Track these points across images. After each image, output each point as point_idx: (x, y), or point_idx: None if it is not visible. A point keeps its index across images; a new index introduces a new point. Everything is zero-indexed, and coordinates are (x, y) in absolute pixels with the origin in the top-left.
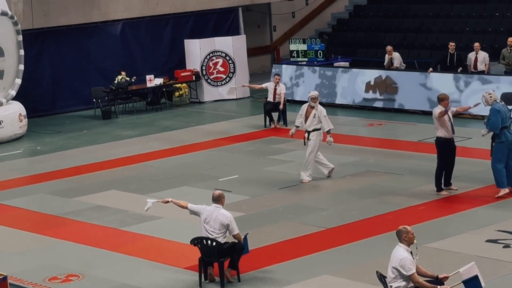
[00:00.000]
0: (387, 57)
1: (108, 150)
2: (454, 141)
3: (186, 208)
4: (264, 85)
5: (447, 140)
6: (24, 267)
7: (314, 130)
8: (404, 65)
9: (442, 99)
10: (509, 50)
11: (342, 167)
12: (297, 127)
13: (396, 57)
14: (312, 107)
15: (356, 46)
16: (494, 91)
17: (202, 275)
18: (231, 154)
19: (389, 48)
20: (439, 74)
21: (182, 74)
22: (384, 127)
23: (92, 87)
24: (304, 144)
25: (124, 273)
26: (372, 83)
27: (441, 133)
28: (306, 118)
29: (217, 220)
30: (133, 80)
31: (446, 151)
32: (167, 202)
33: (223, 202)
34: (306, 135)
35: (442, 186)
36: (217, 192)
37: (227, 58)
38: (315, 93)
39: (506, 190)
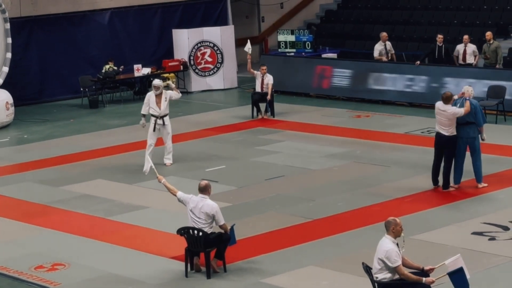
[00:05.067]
0: (381, 44)
1: (95, 139)
2: None
3: (175, 195)
4: (255, 72)
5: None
6: (10, 255)
7: (166, 115)
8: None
9: (450, 98)
10: (488, 45)
11: (329, 158)
12: (144, 115)
13: (389, 45)
14: (159, 94)
15: (344, 37)
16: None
17: (188, 265)
18: (218, 144)
19: (384, 34)
20: (427, 66)
21: (170, 64)
22: (371, 118)
23: (80, 76)
24: (154, 130)
25: (110, 262)
26: (361, 74)
27: (454, 130)
28: (157, 105)
29: (203, 211)
30: (120, 69)
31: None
32: (160, 181)
33: (210, 192)
34: (159, 121)
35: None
36: (203, 182)
37: (215, 48)
38: (157, 81)
39: (456, 186)
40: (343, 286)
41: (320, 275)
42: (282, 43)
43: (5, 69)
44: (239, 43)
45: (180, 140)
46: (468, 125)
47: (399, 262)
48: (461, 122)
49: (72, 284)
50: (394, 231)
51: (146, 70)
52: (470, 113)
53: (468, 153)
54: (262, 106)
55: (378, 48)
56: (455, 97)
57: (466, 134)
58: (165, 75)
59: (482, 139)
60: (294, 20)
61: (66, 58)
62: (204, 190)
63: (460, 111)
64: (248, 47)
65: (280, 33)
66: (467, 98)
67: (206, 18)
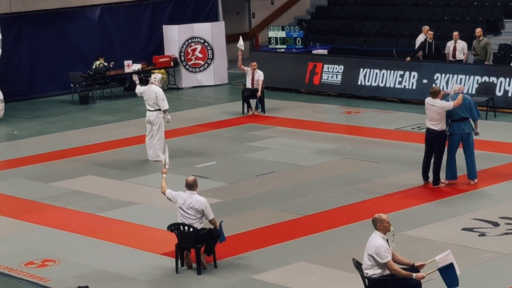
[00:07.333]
0: (423, 36)
1: (85, 136)
2: None
3: (164, 193)
4: (246, 69)
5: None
6: (0, 251)
7: None
8: None
9: (438, 92)
10: (478, 41)
11: (320, 154)
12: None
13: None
14: None
15: (335, 34)
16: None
17: (179, 261)
18: (209, 140)
19: (427, 28)
20: (417, 62)
21: (160, 60)
22: (362, 115)
23: (70, 72)
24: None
25: (100, 258)
26: (351, 70)
27: (444, 125)
28: None
29: (191, 206)
30: (111, 65)
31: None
32: (162, 173)
33: (197, 187)
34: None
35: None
36: (190, 178)
37: (206, 44)
38: (159, 75)
39: (446, 182)
40: (333, 282)
41: (310, 271)
42: (273, 39)
43: None
44: (230, 39)
45: (170, 136)
46: (463, 120)
47: (389, 258)
48: (455, 118)
49: (62, 280)
50: (381, 227)
51: (137, 66)
52: (465, 108)
53: (460, 149)
54: (253, 102)
55: (422, 40)
56: (447, 91)
57: (461, 130)
58: (156, 71)
59: (476, 134)
60: (284, 16)
61: (56, 54)
62: (191, 186)
63: (449, 104)
64: (240, 44)
65: (270, 29)
66: (461, 92)
67: (196, 14)
